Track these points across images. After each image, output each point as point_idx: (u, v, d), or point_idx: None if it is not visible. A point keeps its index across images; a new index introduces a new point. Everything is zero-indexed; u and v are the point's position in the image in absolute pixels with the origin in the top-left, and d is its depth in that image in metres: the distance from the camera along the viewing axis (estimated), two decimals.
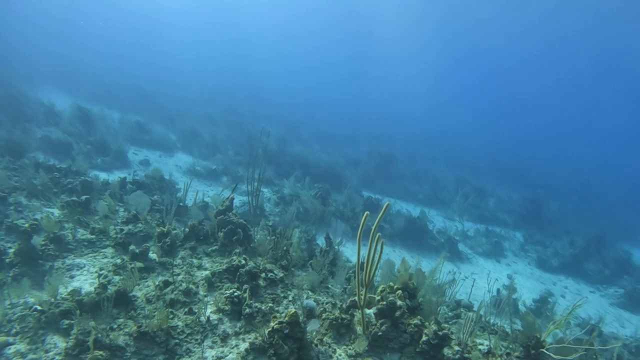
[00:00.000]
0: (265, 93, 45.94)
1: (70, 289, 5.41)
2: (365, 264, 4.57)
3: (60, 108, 16.97)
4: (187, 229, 7.10)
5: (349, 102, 56.72)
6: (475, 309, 7.75)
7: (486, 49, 70.94)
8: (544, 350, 4.06)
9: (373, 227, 4.30)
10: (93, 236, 6.78)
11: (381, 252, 4.51)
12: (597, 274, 13.95)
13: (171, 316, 5.07)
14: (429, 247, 13.24)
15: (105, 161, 12.77)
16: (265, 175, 15.63)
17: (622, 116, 72.88)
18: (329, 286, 6.72)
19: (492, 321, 6.60)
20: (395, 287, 5.24)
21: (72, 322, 4.55)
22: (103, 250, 6.61)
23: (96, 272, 5.99)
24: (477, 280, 11.52)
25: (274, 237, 7.22)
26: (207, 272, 6.09)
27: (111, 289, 5.24)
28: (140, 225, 7.30)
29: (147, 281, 5.89)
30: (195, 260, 6.53)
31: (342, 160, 23.58)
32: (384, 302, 4.93)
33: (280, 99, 45.09)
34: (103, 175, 11.54)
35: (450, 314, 7.08)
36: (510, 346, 5.00)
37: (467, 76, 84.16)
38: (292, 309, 4.51)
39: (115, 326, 4.81)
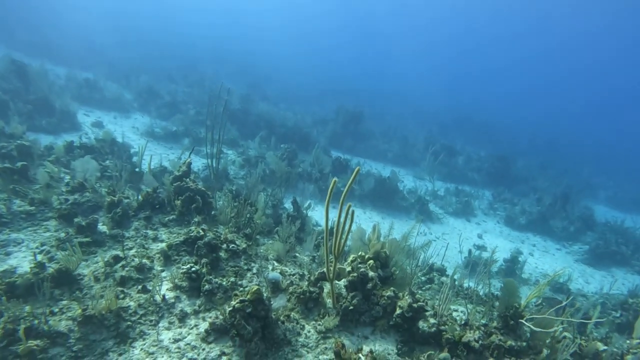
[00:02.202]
0: (229, 47, 43.75)
1: (4, 267, 4.80)
2: (334, 234, 4.16)
3: None
4: (140, 198, 6.48)
5: (318, 59, 54.98)
6: (448, 272, 7.62)
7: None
8: (522, 321, 3.83)
9: (342, 195, 3.86)
10: (33, 207, 6.07)
11: (351, 222, 4.11)
12: (562, 231, 14.27)
13: (122, 296, 4.58)
14: (399, 208, 13.05)
15: (50, 123, 11.59)
16: (230, 136, 14.90)
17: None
18: (297, 255, 6.35)
19: (465, 285, 6.46)
20: (367, 256, 4.90)
21: (1, 308, 3.98)
22: (45, 223, 5.93)
23: (36, 247, 5.37)
24: (449, 240, 11.49)
25: (236, 204, 6.72)
26: (164, 245, 5.57)
27: (52, 267, 4.67)
28: (87, 194, 6.60)
29: (95, 257, 5.32)
30: (150, 232, 5.97)
31: (309, 119, 22.84)
32: (355, 274, 4.59)
33: (244, 54, 43.00)
34: (49, 139, 10.55)
35: (423, 278, 6.89)
36: (488, 313, 4.81)
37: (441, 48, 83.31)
38: (254, 286, 4.09)
39: (57, 310, 4.28)
